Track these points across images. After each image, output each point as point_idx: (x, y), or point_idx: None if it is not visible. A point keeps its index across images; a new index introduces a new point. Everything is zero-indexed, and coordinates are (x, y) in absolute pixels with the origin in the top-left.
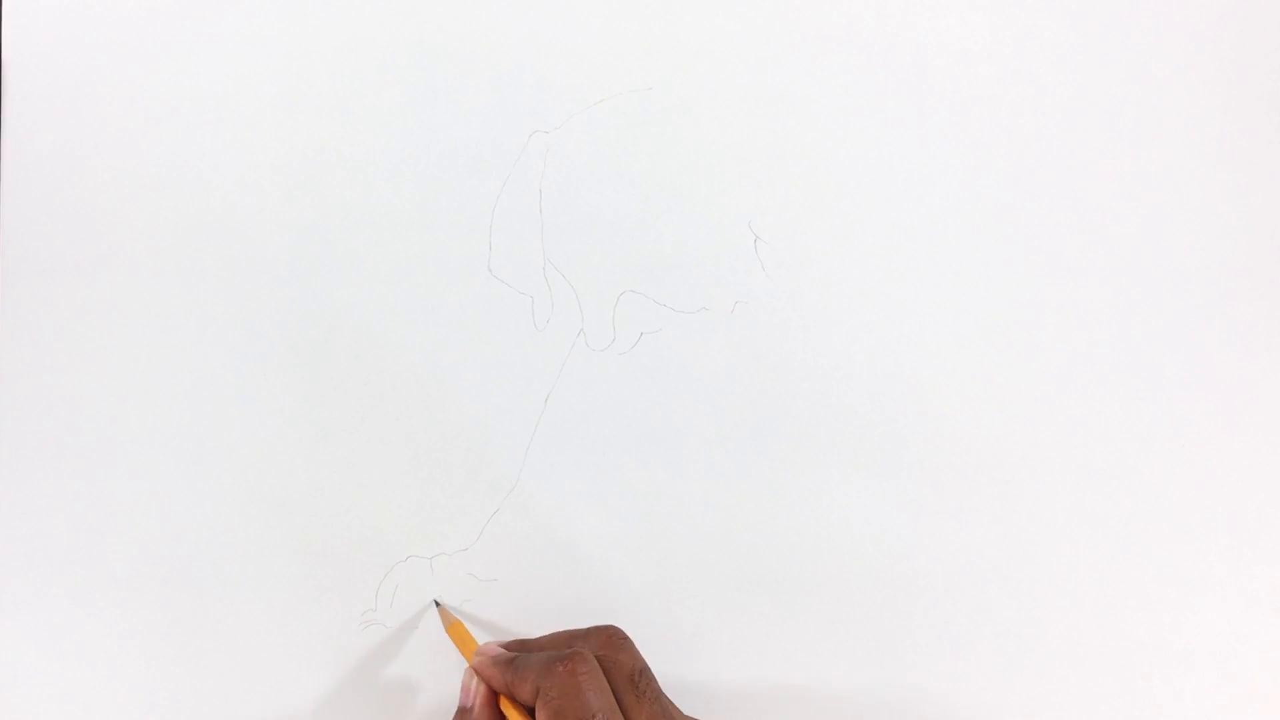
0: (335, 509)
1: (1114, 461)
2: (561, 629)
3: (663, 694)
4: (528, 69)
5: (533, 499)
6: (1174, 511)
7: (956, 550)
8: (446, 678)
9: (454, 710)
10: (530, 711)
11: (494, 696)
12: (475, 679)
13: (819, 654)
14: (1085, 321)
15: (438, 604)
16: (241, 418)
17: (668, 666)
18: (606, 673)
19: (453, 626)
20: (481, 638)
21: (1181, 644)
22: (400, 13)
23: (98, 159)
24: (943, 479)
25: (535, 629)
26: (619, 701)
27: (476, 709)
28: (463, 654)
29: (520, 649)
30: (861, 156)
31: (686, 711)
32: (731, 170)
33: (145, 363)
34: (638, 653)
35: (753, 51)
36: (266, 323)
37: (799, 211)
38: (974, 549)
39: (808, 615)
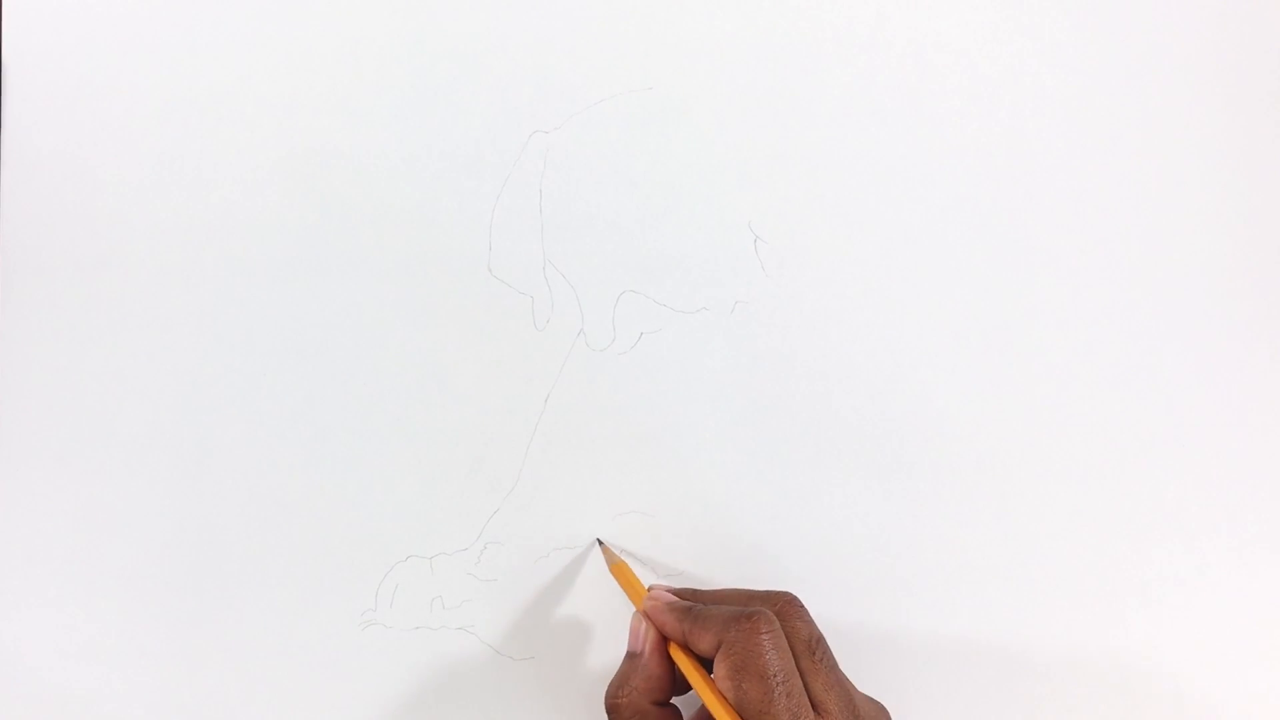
0: (335, 509)
1: (1114, 461)
2: (561, 625)
3: (837, 665)
4: (528, 69)
5: (533, 499)
6: (1174, 511)
7: (956, 550)
8: (447, 681)
9: (449, 709)
10: (704, 662)
11: (664, 643)
12: (645, 624)
13: None
14: (1085, 322)
15: (601, 543)
16: (241, 418)
17: None
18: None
19: (617, 567)
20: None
21: (1181, 644)
22: (400, 13)
23: (98, 159)
24: (943, 479)
25: (535, 628)
26: (797, 665)
27: (647, 654)
28: (629, 596)
29: (693, 598)
30: (861, 156)
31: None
32: (731, 170)
33: (145, 363)
34: (813, 622)
35: (753, 51)
36: (266, 323)
37: (799, 211)
38: (974, 549)
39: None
